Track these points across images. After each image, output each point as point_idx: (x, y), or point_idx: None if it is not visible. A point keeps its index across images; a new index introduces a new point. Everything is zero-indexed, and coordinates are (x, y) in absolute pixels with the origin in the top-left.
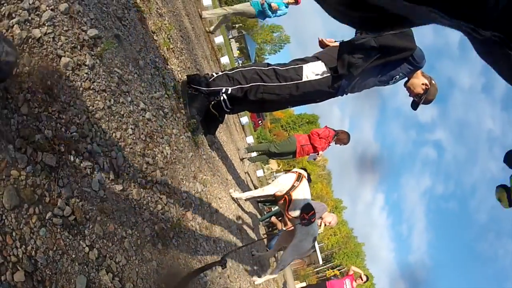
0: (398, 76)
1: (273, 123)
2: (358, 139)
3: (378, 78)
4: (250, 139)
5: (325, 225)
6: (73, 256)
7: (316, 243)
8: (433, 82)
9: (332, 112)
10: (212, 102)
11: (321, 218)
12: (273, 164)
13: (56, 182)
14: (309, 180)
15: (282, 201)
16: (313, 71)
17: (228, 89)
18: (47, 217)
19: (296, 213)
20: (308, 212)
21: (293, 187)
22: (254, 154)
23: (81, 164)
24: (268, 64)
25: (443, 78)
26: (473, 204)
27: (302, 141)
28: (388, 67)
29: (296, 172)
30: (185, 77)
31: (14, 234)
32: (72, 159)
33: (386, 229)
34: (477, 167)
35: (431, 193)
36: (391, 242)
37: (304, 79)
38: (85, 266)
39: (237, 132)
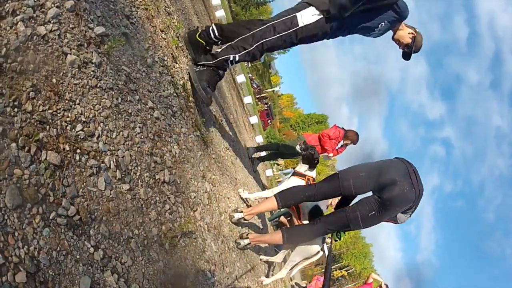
0: (383, 23)
1: (282, 122)
2: (367, 138)
3: (365, 23)
4: (259, 139)
5: (331, 204)
6: (77, 256)
7: (324, 244)
8: (417, 30)
9: (341, 111)
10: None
11: (330, 205)
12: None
13: (61, 181)
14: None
15: (291, 209)
16: (307, 16)
17: (235, 56)
18: (51, 217)
19: (306, 216)
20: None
21: None
22: (263, 153)
23: (87, 163)
24: (263, 23)
25: (451, 75)
26: (480, 203)
27: (312, 141)
28: (374, 13)
29: (305, 177)
30: (189, 65)
31: (16, 234)
32: (77, 158)
33: (394, 228)
34: (485, 165)
35: (439, 192)
36: (399, 242)
37: (301, 24)
38: (90, 267)
39: (247, 132)
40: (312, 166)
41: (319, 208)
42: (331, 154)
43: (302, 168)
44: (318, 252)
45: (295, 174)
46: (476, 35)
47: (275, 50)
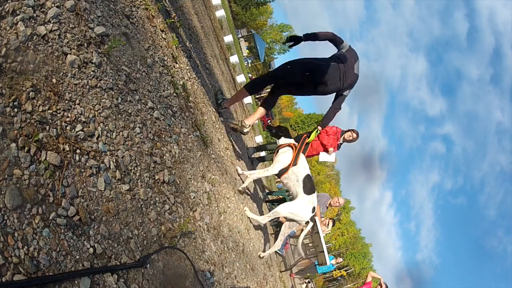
0: None
1: (282, 122)
2: (367, 135)
3: None
4: (259, 139)
5: (330, 205)
6: (77, 257)
7: (324, 244)
8: None
9: (341, 110)
10: None
11: (329, 205)
12: None
13: (61, 182)
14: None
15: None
16: None
17: None
18: (50, 217)
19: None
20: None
21: (294, 163)
22: (263, 153)
23: (87, 164)
24: None
25: (451, 70)
26: (482, 200)
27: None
28: None
29: (291, 145)
30: None
31: (16, 234)
32: (77, 158)
33: (393, 227)
34: (486, 161)
35: (439, 189)
36: (399, 240)
37: None
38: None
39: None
40: (283, 136)
41: (309, 176)
42: (331, 149)
43: (281, 141)
44: (308, 222)
45: (281, 147)
46: (476, 30)
47: None
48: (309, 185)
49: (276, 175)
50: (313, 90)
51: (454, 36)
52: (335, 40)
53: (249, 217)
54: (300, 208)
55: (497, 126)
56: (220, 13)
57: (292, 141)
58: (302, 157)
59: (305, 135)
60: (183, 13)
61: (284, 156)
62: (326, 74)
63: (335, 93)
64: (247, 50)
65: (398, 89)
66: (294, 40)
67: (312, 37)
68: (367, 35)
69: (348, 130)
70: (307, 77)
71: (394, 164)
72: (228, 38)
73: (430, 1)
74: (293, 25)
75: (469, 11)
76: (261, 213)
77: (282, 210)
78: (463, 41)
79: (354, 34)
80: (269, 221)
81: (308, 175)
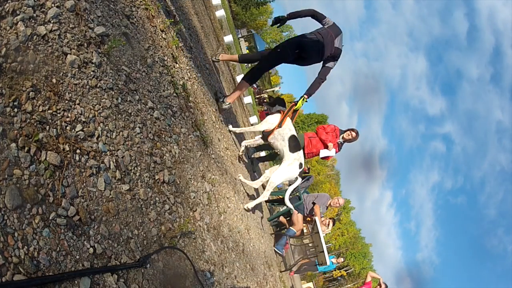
0: None
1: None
2: (367, 135)
3: None
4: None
5: (330, 205)
6: (77, 257)
7: (324, 244)
8: None
9: (341, 109)
10: None
11: (329, 205)
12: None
13: (61, 182)
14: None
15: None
16: None
17: None
18: (50, 217)
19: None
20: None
21: (279, 126)
22: (263, 153)
23: (87, 164)
24: None
25: (452, 69)
26: (482, 199)
27: (309, 134)
28: None
29: (280, 111)
30: None
31: (16, 234)
32: (77, 158)
33: (393, 227)
34: (486, 160)
35: (439, 189)
36: (399, 240)
37: None
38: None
39: (246, 132)
40: (277, 104)
41: (294, 136)
42: (330, 144)
43: (275, 108)
44: (297, 178)
45: (269, 114)
46: (476, 29)
47: None
48: (293, 144)
49: (263, 139)
50: (301, 62)
51: (454, 36)
52: (316, 16)
53: (250, 208)
54: (288, 168)
55: (497, 125)
56: (220, 13)
57: (284, 109)
58: (288, 121)
59: (293, 103)
60: (183, 13)
61: (272, 117)
62: (309, 48)
63: (321, 64)
64: (247, 50)
65: (398, 89)
66: (280, 21)
67: (295, 15)
68: (367, 34)
69: (348, 130)
70: (297, 53)
71: (394, 164)
72: (228, 38)
73: (430, 0)
74: (293, 25)
75: (469, 10)
76: (262, 212)
77: (275, 180)
78: (463, 40)
79: (354, 34)
80: (269, 221)
81: (294, 135)
